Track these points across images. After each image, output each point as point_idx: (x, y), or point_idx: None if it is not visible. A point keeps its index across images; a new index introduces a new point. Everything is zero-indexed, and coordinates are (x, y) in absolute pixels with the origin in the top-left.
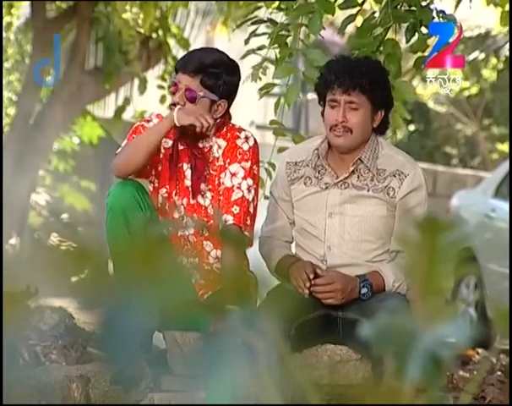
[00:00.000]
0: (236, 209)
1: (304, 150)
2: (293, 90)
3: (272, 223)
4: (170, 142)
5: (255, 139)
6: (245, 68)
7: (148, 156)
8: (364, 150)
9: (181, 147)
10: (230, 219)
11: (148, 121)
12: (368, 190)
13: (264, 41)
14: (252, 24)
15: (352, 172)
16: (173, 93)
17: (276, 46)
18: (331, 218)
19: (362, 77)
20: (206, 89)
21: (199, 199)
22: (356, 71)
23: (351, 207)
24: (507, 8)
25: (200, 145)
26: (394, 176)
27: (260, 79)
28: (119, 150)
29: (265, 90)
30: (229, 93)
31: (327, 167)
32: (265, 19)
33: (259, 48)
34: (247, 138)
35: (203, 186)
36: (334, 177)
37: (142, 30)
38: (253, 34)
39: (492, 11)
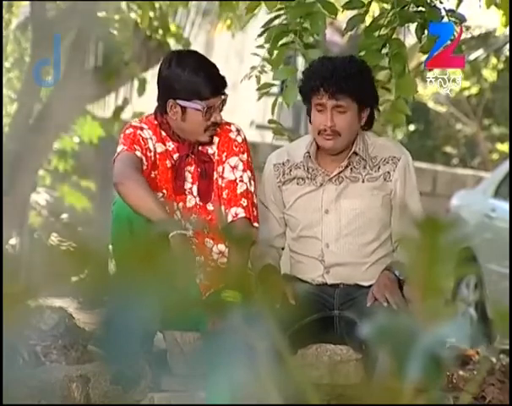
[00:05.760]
0: (244, 201)
1: (291, 151)
2: (292, 90)
3: (261, 226)
4: (163, 147)
5: (243, 131)
6: (246, 68)
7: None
8: (356, 142)
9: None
10: (241, 212)
11: (141, 129)
12: (363, 181)
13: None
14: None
15: (346, 166)
16: (208, 119)
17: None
18: (327, 215)
19: (348, 80)
20: None
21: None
22: (342, 74)
23: (346, 202)
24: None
25: (203, 149)
26: (388, 162)
27: (258, 77)
28: (117, 155)
29: (263, 91)
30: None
31: (319, 168)
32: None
33: (260, 46)
34: (238, 130)
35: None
36: (327, 176)
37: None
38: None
39: (492, 12)
